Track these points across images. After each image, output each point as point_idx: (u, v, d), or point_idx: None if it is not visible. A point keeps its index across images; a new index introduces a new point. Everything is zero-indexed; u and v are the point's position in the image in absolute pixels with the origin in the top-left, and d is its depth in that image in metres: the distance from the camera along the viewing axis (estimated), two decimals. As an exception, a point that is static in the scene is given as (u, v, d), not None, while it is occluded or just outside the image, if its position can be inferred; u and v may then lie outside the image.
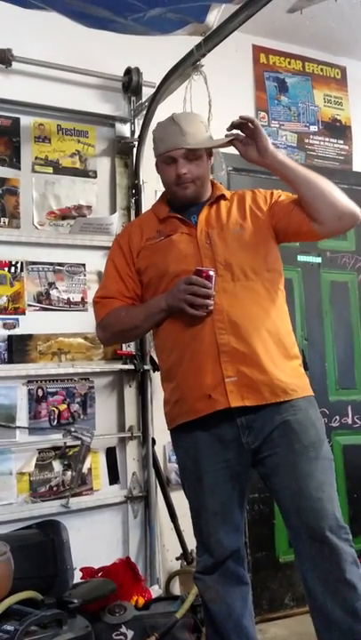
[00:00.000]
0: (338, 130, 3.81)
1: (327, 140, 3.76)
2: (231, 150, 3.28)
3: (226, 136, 1.99)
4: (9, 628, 1.83)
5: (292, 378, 1.94)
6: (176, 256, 1.98)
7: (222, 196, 2.08)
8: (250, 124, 1.93)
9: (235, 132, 1.96)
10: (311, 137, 3.71)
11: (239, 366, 1.89)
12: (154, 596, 2.56)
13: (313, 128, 3.73)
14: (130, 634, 2.26)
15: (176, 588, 2.87)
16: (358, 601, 1.80)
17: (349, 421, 3.60)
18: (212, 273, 1.87)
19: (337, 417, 3.57)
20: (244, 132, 1.96)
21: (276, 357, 1.92)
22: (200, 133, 2.01)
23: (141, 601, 2.45)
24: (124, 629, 2.27)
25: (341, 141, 3.81)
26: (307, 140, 3.69)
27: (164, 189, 2.16)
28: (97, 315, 2.15)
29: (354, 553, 1.84)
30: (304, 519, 1.82)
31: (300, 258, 3.55)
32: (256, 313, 1.93)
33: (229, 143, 1.99)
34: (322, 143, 3.75)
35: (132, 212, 3.05)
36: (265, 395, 1.89)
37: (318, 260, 3.61)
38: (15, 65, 2.84)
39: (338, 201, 1.91)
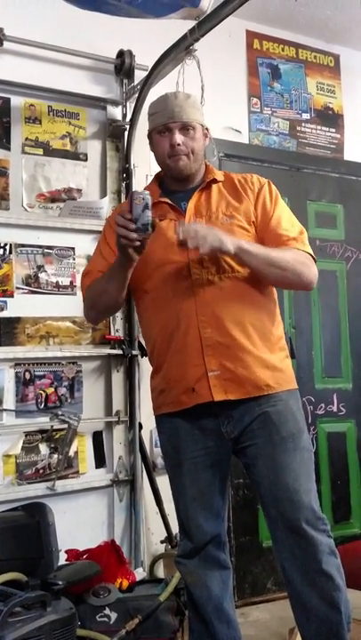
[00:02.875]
0: (330, 118, 3.81)
1: (319, 128, 3.76)
2: (223, 136, 3.32)
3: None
4: (-7, 608, 1.84)
5: (277, 372, 1.93)
6: (162, 244, 1.95)
7: (214, 181, 2.04)
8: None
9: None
10: (303, 125, 3.71)
11: (222, 360, 1.88)
12: (138, 578, 2.58)
13: (305, 116, 3.72)
14: (113, 616, 2.28)
15: (160, 571, 2.90)
16: (335, 591, 1.83)
17: (335, 409, 3.63)
18: (139, 195, 1.72)
19: (323, 405, 3.59)
20: None
21: (260, 351, 1.91)
22: (196, 111, 1.99)
23: (125, 583, 2.47)
24: (107, 611, 2.29)
25: (333, 130, 3.81)
26: (299, 128, 3.69)
27: (154, 173, 2.14)
28: (81, 287, 2.13)
29: (331, 543, 1.86)
30: (281, 510, 1.84)
31: (290, 246, 3.55)
32: (241, 306, 1.92)
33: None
34: (314, 131, 3.74)
35: (123, 197, 3.04)
36: (248, 389, 1.89)
37: (308, 248, 3.61)
38: (7, 44, 2.81)
39: (290, 280, 1.96)
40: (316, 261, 2.00)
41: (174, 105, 1.95)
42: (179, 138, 1.95)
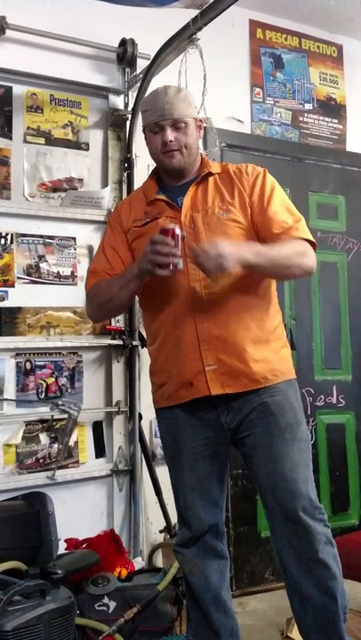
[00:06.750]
0: (332, 109, 3.79)
1: (322, 118, 3.74)
2: (225, 126, 3.31)
3: None
4: (-7, 597, 1.85)
5: (273, 364, 1.94)
6: None
7: (209, 174, 2.04)
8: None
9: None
10: (306, 115, 3.69)
11: (219, 355, 1.89)
12: (137, 567, 2.60)
13: (308, 106, 3.70)
14: (112, 605, 2.29)
15: (159, 561, 2.91)
16: (332, 580, 1.84)
17: (334, 401, 3.64)
18: (178, 232, 1.79)
19: (322, 396, 3.60)
20: None
21: (258, 344, 1.92)
22: (188, 105, 1.98)
23: (124, 572, 2.48)
24: (106, 600, 2.30)
25: (336, 120, 3.79)
26: (301, 118, 3.67)
27: (152, 168, 2.14)
28: (85, 286, 2.15)
29: (328, 532, 1.87)
30: (279, 499, 1.86)
31: (291, 237, 3.54)
32: (237, 300, 1.93)
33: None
34: (316, 122, 3.73)
35: (124, 186, 3.03)
36: (245, 382, 1.90)
37: (309, 239, 3.61)
38: (9, 33, 2.78)
39: (294, 273, 1.99)
40: (316, 246, 1.99)
41: (164, 102, 1.94)
42: (170, 135, 1.95)
